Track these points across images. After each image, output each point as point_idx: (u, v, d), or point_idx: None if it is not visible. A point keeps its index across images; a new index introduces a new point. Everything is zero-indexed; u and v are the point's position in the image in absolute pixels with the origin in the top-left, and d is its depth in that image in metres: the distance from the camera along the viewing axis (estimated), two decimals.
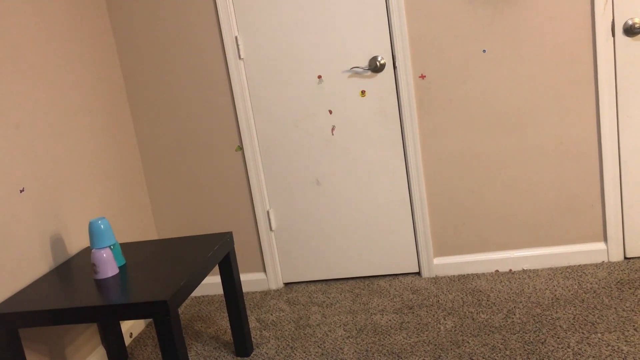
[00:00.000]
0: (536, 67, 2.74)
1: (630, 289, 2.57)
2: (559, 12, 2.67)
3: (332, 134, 2.97)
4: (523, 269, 2.94)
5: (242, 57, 2.94)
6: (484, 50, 2.76)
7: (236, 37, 2.91)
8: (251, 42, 2.92)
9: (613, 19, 2.63)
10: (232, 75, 2.94)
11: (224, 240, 2.39)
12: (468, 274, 2.98)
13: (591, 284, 2.68)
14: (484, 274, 2.96)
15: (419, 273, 3.08)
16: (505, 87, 2.78)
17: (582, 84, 2.73)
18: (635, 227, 2.82)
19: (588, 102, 2.74)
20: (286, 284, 3.22)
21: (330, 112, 2.94)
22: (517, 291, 2.72)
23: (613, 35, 2.65)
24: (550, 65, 2.73)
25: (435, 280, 2.98)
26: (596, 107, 2.74)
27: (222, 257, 2.36)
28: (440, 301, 2.74)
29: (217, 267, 3.21)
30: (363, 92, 2.90)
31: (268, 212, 3.10)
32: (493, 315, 2.53)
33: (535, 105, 2.78)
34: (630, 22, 2.61)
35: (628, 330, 2.25)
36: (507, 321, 2.47)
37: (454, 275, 2.99)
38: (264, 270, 3.19)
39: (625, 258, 2.87)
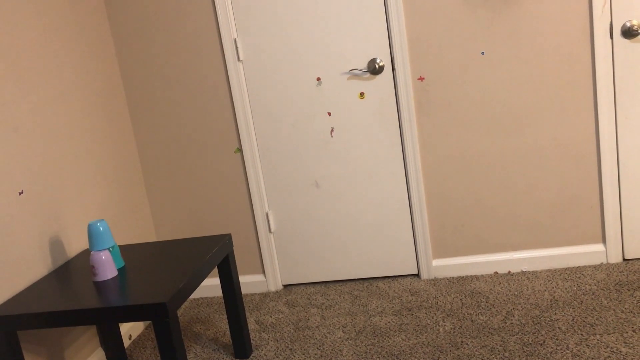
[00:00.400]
0: (535, 69, 2.74)
1: (628, 290, 2.58)
2: (557, 14, 2.67)
3: (331, 136, 2.97)
4: (522, 271, 2.94)
5: (241, 59, 2.94)
6: (483, 52, 2.76)
7: (235, 39, 2.91)
8: (250, 44, 2.93)
9: (611, 21, 2.63)
10: (231, 77, 2.95)
11: (223, 242, 2.39)
12: (467, 276, 2.98)
13: (590, 285, 2.68)
14: (482, 275, 2.96)
15: (418, 275, 3.08)
16: (504, 89, 2.79)
17: (581, 86, 2.73)
18: (633, 229, 2.82)
19: (586, 104, 2.74)
20: (285, 286, 3.22)
21: (329, 114, 2.94)
22: (516, 293, 2.72)
23: (611, 37, 2.65)
24: (548, 67, 2.73)
25: (434, 281, 2.98)
26: (594, 108, 2.74)
27: (221, 259, 2.36)
28: (439, 303, 2.74)
29: (216, 269, 3.21)
30: (362, 94, 2.90)
31: (267, 214, 3.10)
32: (492, 317, 2.54)
33: (533, 106, 2.78)
34: (628, 24, 2.62)
35: (627, 332, 2.25)
36: (506, 323, 2.47)
37: (453, 277, 2.99)
38: (263, 272, 3.19)
39: (624, 259, 2.87)
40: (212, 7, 2.90)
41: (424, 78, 2.83)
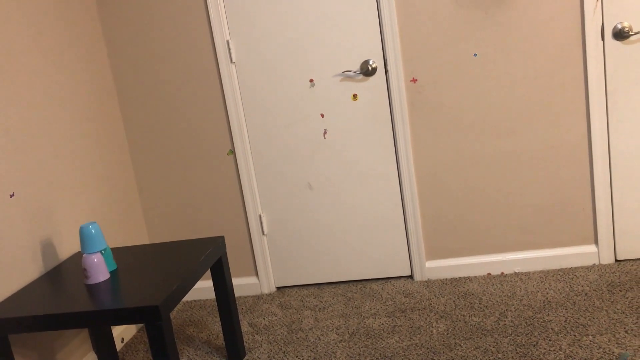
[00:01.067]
0: (527, 71, 2.75)
1: (621, 291, 2.59)
2: (549, 16, 2.68)
3: (324, 138, 2.97)
4: (515, 272, 2.95)
5: (233, 60, 2.94)
6: (475, 54, 2.77)
7: (228, 41, 2.91)
8: (243, 46, 2.92)
9: (602, 23, 2.65)
10: (224, 79, 2.94)
11: (216, 245, 2.39)
12: (460, 277, 2.98)
13: (582, 286, 2.69)
14: (476, 277, 2.96)
15: (411, 276, 3.08)
16: (496, 91, 2.79)
17: (572, 88, 2.74)
18: (625, 230, 2.84)
19: (578, 106, 2.75)
20: (279, 288, 3.21)
21: (322, 115, 2.94)
22: (509, 294, 2.72)
23: (603, 39, 2.66)
24: (540, 69, 2.74)
25: (428, 283, 2.98)
26: (586, 111, 2.75)
27: (214, 261, 2.35)
28: (432, 304, 2.74)
29: (209, 272, 3.20)
30: (355, 96, 2.90)
31: (260, 216, 3.09)
32: (485, 318, 2.54)
33: (525, 108, 2.79)
34: (619, 26, 2.63)
35: (619, 332, 2.26)
36: (499, 324, 2.47)
37: (446, 279, 2.99)
38: (257, 275, 3.18)
39: (616, 260, 2.88)
40: (205, 9, 2.89)
41: (416, 80, 2.84)
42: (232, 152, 3.04)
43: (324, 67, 2.89)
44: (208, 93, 2.99)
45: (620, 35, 2.64)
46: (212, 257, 2.34)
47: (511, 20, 2.71)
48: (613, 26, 2.64)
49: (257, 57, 2.92)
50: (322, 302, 2.96)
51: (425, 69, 2.82)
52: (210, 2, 2.86)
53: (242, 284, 3.18)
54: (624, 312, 2.41)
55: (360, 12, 2.81)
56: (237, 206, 3.10)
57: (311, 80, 2.91)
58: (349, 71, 2.87)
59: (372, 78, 2.87)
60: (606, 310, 2.44)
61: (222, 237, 2.46)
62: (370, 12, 2.80)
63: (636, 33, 2.61)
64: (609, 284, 2.66)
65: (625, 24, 2.63)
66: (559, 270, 2.89)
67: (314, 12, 2.84)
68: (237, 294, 3.20)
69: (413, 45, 2.80)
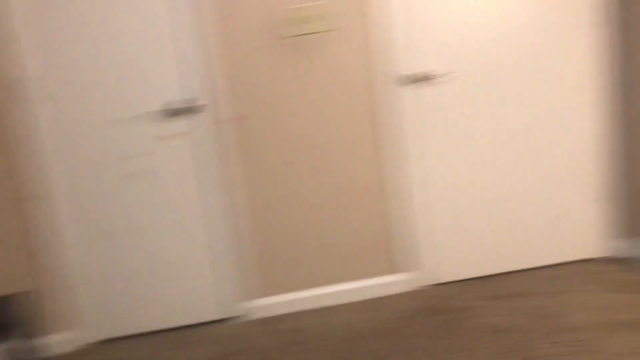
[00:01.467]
0: (336, 110, 2.88)
1: (436, 314, 2.75)
2: (345, 63, 2.84)
3: (141, 179, 2.84)
4: (336, 304, 3.01)
5: (33, 99, 2.72)
6: (295, 94, 2.84)
7: (27, 77, 2.70)
8: (46, 83, 2.73)
9: (393, 71, 2.86)
10: (22, 119, 2.72)
11: (16, 302, 2.16)
12: (287, 314, 2.99)
13: (400, 313, 2.81)
14: (301, 311, 2.99)
15: (234, 318, 3.03)
16: (311, 130, 2.88)
17: (371, 127, 2.91)
18: (436, 257, 3.04)
19: (375, 144, 2.93)
20: (100, 342, 2.98)
21: (140, 156, 2.82)
22: (333, 326, 2.77)
23: (396, 84, 2.87)
24: (344, 111, 2.89)
25: (255, 323, 2.94)
26: (383, 148, 2.93)
27: (13, 320, 2.12)
28: (259, 344, 2.70)
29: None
30: (175, 135, 2.82)
31: (75, 264, 2.87)
32: (312, 353, 2.55)
33: (335, 147, 2.91)
34: (413, 72, 2.86)
35: (439, 355, 2.39)
36: (326, 357, 2.49)
37: (272, 316, 2.98)
38: (73, 328, 2.93)
39: (431, 285, 3.07)
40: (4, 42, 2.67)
41: (240, 118, 2.84)
42: (40, 197, 2.80)
43: (139, 105, 2.78)
44: (2, 133, 2.73)
45: (409, 80, 2.87)
46: (10, 316, 2.11)
47: (324, 63, 2.83)
48: (406, 72, 2.87)
49: (61, 95, 2.74)
50: (146, 353, 2.80)
51: (249, 107, 2.83)
52: (11, 35, 2.65)
53: (57, 340, 2.91)
54: (442, 337, 2.55)
55: (181, 48, 2.75)
56: (48, 255, 2.85)
57: (125, 119, 2.79)
58: (169, 109, 2.79)
59: (194, 116, 2.81)
60: (426, 335, 2.57)
61: (25, 292, 2.23)
62: (192, 49, 2.76)
63: (422, 79, 2.86)
64: (426, 308, 2.82)
65: (414, 71, 2.86)
66: (379, 298, 3.01)
67: (129, 47, 2.73)
68: (53, 350, 2.91)
69: (237, 83, 2.81)
